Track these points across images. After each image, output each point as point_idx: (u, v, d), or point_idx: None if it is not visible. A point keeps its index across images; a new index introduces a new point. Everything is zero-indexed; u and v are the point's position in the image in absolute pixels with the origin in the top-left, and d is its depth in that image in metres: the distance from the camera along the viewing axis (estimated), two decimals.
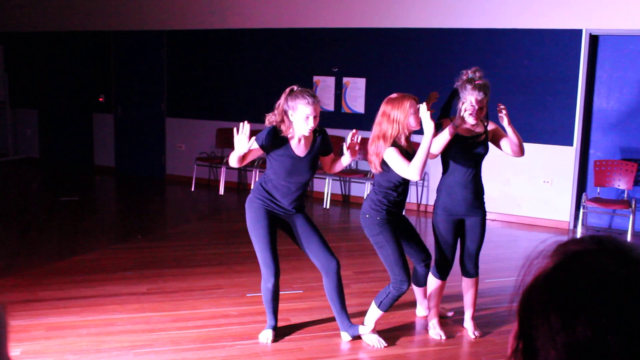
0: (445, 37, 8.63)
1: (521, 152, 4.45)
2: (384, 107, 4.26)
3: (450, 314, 4.98)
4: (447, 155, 4.42)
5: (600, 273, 0.75)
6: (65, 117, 12.00)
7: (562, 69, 7.93)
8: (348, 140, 4.27)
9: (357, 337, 4.48)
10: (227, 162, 9.86)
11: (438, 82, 8.59)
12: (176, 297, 5.24)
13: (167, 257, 6.41)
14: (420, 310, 4.97)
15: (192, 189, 10.05)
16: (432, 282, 4.60)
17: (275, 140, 4.18)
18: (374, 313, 4.43)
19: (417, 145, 4.16)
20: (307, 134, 4.17)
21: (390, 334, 4.66)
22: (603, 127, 8.06)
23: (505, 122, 4.31)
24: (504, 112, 4.30)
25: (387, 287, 4.35)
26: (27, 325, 4.49)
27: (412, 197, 8.93)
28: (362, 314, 4.79)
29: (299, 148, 4.23)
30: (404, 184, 4.32)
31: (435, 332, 4.62)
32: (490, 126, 4.46)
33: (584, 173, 8.18)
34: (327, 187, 9.03)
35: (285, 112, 4.17)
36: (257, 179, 9.38)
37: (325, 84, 9.55)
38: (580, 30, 7.77)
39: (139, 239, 7.06)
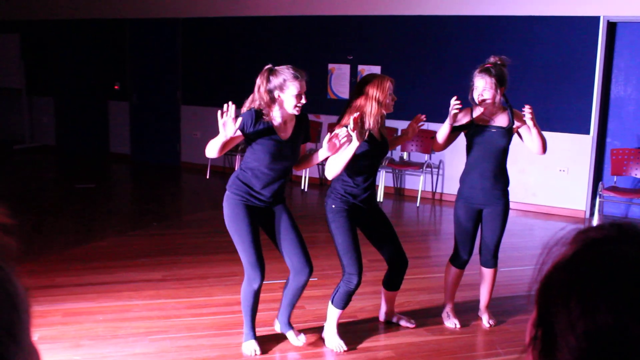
0: (461, 24, 8.57)
1: (543, 151, 4.40)
2: (362, 87, 4.05)
3: (411, 325, 4.62)
4: (468, 143, 4.41)
5: (620, 260, 0.75)
6: (81, 105, 12.05)
7: (579, 56, 7.86)
8: (340, 133, 3.85)
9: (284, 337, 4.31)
10: (240, 149, 9.88)
11: (452, 69, 8.55)
12: (191, 284, 5.27)
13: (182, 244, 6.44)
14: (384, 314, 4.68)
15: (207, 177, 10.08)
16: (450, 270, 4.59)
17: (258, 123, 3.87)
18: (331, 312, 4.23)
19: (391, 130, 4.07)
20: (297, 112, 3.87)
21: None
22: (620, 116, 7.99)
23: (530, 124, 4.23)
24: (529, 115, 4.16)
25: (339, 282, 4.19)
26: (44, 311, 4.54)
27: (427, 186, 8.91)
28: (376, 302, 4.79)
29: (283, 131, 3.93)
30: (366, 178, 4.10)
31: (450, 320, 4.62)
32: (517, 120, 4.38)
33: (600, 162, 8.12)
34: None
35: (269, 93, 3.86)
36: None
37: (340, 72, 9.53)
38: (598, 17, 7.69)
39: (155, 226, 7.10)
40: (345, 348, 4.20)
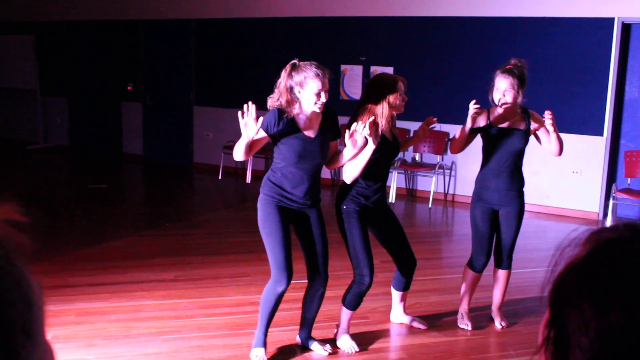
0: (474, 25, 8.55)
1: (559, 153, 4.41)
2: (373, 87, 4.08)
3: (423, 327, 4.60)
4: (485, 146, 4.40)
5: (634, 260, 0.74)
6: (95, 106, 12.11)
7: (593, 57, 7.81)
8: (358, 128, 3.84)
9: (306, 349, 4.23)
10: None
11: (466, 71, 8.53)
12: (203, 284, 5.28)
13: (194, 244, 6.46)
14: (395, 316, 4.67)
15: (220, 177, 10.10)
16: (467, 274, 4.57)
17: (281, 122, 3.78)
18: (343, 314, 4.24)
19: (404, 131, 4.05)
20: (318, 110, 3.79)
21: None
22: (634, 117, 7.94)
23: (550, 129, 4.22)
24: (550, 120, 4.16)
25: (351, 283, 4.17)
26: (57, 311, 4.56)
27: (439, 187, 8.89)
28: (388, 303, 4.78)
29: (308, 129, 3.85)
30: (377, 179, 4.09)
31: (463, 322, 4.60)
32: (534, 122, 4.36)
33: (614, 164, 8.07)
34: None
35: (290, 90, 3.80)
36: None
37: (352, 73, 9.53)
38: (612, 19, 7.65)
39: (167, 226, 7.12)
40: (357, 349, 4.20)
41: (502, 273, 4.57)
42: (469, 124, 4.28)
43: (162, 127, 11.43)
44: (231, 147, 10.27)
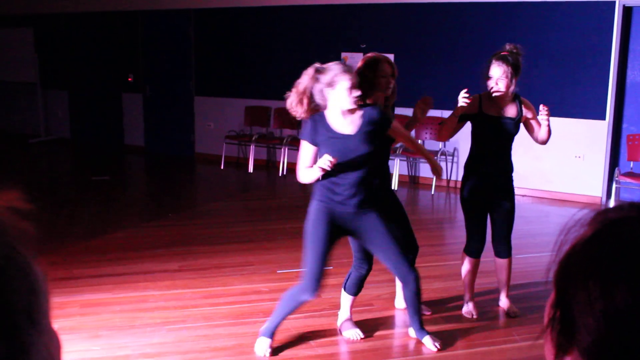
0: (474, 11, 8.51)
1: (544, 144, 4.42)
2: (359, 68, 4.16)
3: (427, 312, 4.59)
4: (475, 132, 4.37)
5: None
6: (95, 98, 12.10)
7: (594, 41, 7.78)
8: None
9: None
10: (254, 139, 9.88)
11: (466, 56, 8.50)
12: (207, 274, 5.29)
13: (197, 234, 6.46)
14: (399, 301, 4.68)
15: (221, 167, 10.10)
16: (465, 260, 4.57)
17: (317, 127, 3.71)
18: (344, 299, 4.25)
19: (405, 118, 4.02)
20: (354, 105, 3.65)
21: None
22: (636, 101, 7.92)
23: (544, 124, 4.21)
24: (545, 115, 4.17)
25: (351, 268, 4.19)
26: (62, 302, 4.57)
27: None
28: (392, 290, 4.79)
29: (347, 125, 3.72)
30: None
31: (468, 310, 4.59)
32: (526, 109, 4.35)
33: (616, 147, 8.06)
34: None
35: (320, 92, 3.68)
36: (285, 156, 9.40)
37: (353, 60, 9.50)
38: (614, 2, 7.61)
39: (170, 217, 7.13)
40: (361, 336, 4.20)
41: (503, 262, 4.55)
42: (457, 112, 4.25)
43: (163, 118, 11.42)
44: (233, 137, 10.27)
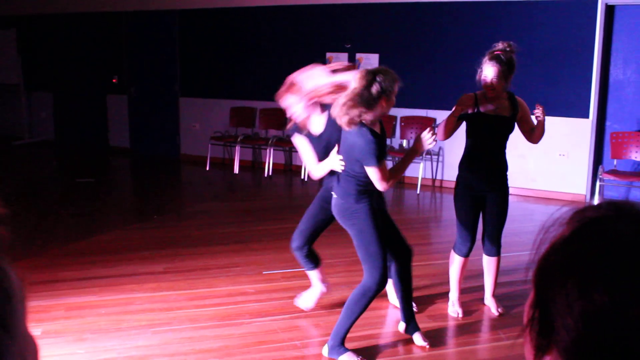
0: (458, 10, 8.54)
1: (536, 143, 4.44)
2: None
3: (414, 310, 4.48)
4: (470, 130, 4.38)
5: (617, 239, 0.74)
6: (80, 99, 12.03)
7: (577, 40, 7.83)
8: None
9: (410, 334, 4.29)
10: (239, 140, 9.86)
11: (451, 56, 8.53)
12: (193, 276, 5.27)
13: (183, 236, 6.44)
14: (392, 297, 4.72)
15: (207, 168, 10.07)
16: (453, 259, 4.58)
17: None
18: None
19: (390, 118, 4.06)
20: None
21: None
22: (619, 99, 7.97)
23: (539, 122, 4.24)
24: (540, 116, 4.20)
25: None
26: (46, 306, 4.54)
27: (427, 173, 8.90)
28: None
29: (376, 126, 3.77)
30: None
31: (454, 309, 4.60)
32: (520, 108, 4.35)
33: (600, 145, 8.11)
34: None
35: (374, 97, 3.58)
36: (270, 157, 9.39)
37: (338, 60, 9.50)
38: (596, 0, 7.66)
39: (155, 218, 7.10)
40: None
41: (491, 260, 4.57)
42: (452, 118, 4.26)
43: (148, 119, 11.38)
44: (218, 138, 10.24)
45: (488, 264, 4.59)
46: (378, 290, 3.82)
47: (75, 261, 5.58)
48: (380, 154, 3.63)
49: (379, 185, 3.70)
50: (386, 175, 3.67)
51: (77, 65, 11.89)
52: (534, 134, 4.36)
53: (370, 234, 3.80)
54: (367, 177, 3.71)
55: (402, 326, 4.25)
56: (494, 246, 4.52)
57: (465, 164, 4.43)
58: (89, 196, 8.29)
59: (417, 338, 4.15)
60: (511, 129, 4.36)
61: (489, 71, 4.19)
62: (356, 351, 3.94)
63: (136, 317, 4.45)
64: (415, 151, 3.82)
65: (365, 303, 3.83)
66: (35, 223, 6.74)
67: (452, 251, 4.58)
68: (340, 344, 3.90)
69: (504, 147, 4.39)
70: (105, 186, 9.40)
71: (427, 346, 4.10)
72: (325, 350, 3.94)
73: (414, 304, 4.54)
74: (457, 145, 7.67)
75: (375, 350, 4.12)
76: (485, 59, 4.22)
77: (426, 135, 3.77)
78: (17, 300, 0.63)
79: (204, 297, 4.86)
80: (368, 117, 3.59)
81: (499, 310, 4.61)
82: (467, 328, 4.43)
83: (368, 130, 3.61)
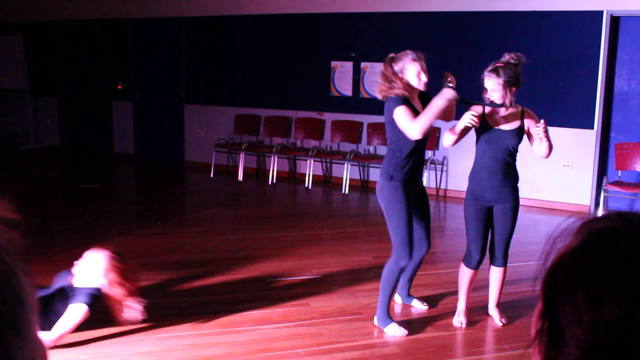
0: (465, 20, 8.56)
1: (546, 157, 4.40)
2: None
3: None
4: (477, 142, 4.37)
5: (627, 251, 0.74)
6: (85, 105, 12.07)
7: (582, 51, 7.84)
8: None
9: (408, 304, 4.86)
10: (244, 148, 9.88)
11: (456, 66, 8.53)
12: (196, 283, 5.27)
13: (186, 243, 6.45)
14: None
15: (211, 175, 10.08)
16: (463, 271, 4.57)
17: (405, 102, 4.17)
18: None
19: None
20: (424, 88, 4.26)
21: (412, 319, 4.67)
22: (624, 110, 7.97)
23: (542, 137, 4.18)
24: (542, 130, 4.14)
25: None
26: None
27: (431, 182, 8.90)
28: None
29: (418, 106, 4.29)
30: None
31: (458, 319, 4.58)
32: (528, 120, 4.33)
33: (604, 156, 8.10)
34: (346, 173, 9.01)
35: (395, 75, 4.22)
36: (275, 165, 9.39)
37: (343, 69, 9.53)
38: (601, 12, 7.67)
39: (159, 225, 7.11)
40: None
41: (497, 271, 4.55)
42: (458, 130, 4.25)
43: (153, 126, 11.40)
44: (222, 146, 10.25)
45: (494, 274, 4.58)
46: (405, 265, 4.29)
47: None
48: (405, 102, 4.13)
49: (410, 130, 4.08)
50: (413, 120, 4.09)
51: (82, 71, 11.93)
52: (540, 148, 4.32)
53: (397, 213, 4.21)
54: (400, 148, 4.20)
55: (399, 299, 4.86)
56: (501, 257, 4.50)
57: (473, 174, 4.43)
58: (93, 202, 8.31)
59: (416, 302, 4.81)
60: (519, 140, 4.33)
61: (487, 83, 4.22)
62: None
63: (139, 324, 4.44)
64: (440, 98, 4.16)
65: (395, 277, 4.31)
66: (39, 228, 6.75)
67: (462, 263, 4.56)
68: (387, 315, 4.38)
69: (512, 159, 4.35)
70: (110, 192, 9.42)
71: (427, 308, 4.76)
72: (375, 320, 4.47)
73: (422, 302, 4.84)
74: (461, 154, 7.68)
75: (375, 359, 4.11)
76: (485, 71, 4.24)
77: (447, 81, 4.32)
78: (28, 304, 0.63)
79: (206, 304, 4.86)
80: (396, 91, 4.20)
81: (503, 320, 4.60)
82: (471, 338, 4.42)
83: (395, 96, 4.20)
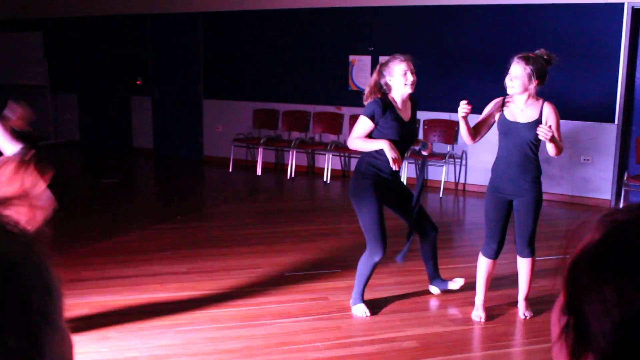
0: (483, 13, 8.51)
1: (556, 156, 4.37)
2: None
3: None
4: (499, 135, 4.37)
5: None
6: (104, 101, 12.15)
7: (603, 44, 7.76)
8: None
9: (446, 291, 4.92)
10: (262, 142, 9.90)
11: (474, 59, 8.50)
12: (216, 277, 5.30)
13: (206, 237, 6.48)
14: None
15: (230, 170, 10.12)
16: (481, 261, 4.56)
17: (384, 108, 4.31)
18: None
19: None
20: (410, 90, 4.33)
21: (431, 313, 4.67)
22: None
23: (542, 136, 4.10)
24: (543, 137, 4.03)
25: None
26: (71, 305, 4.58)
27: (449, 176, 8.88)
28: (401, 292, 4.79)
29: (404, 113, 4.40)
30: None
31: (477, 313, 4.57)
32: (547, 115, 4.26)
33: (625, 150, 8.03)
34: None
35: (379, 86, 4.37)
36: (293, 159, 9.41)
37: (361, 63, 9.51)
38: (622, 4, 7.60)
39: (178, 219, 7.15)
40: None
41: (523, 262, 4.51)
42: (461, 123, 4.29)
43: (171, 121, 11.45)
44: (241, 140, 10.28)
45: (520, 266, 4.55)
46: (379, 260, 4.45)
47: (99, 261, 5.63)
48: (370, 114, 4.31)
49: (350, 138, 4.40)
50: (358, 134, 4.34)
51: (101, 67, 12.01)
52: (547, 147, 4.26)
53: (366, 208, 4.36)
54: (376, 152, 4.35)
55: (435, 289, 4.93)
56: (524, 248, 4.46)
57: (494, 166, 4.44)
58: (113, 197, 8.37)
59: (452, 284, 4.88)
60: (532, 135, 4.28)
61: (513, 69, 4.18)
62: (372, 355, 3.94)
63: (159, 317, 4.48)
64: (385, 145, 4.27)
65: (370, 269, 4.50)
66: (60, 223, 6.80)
67: (480, 253, 4.56)
68: (359, 297, 4.60)
69: (533, 152, 4.31)
70: (129, 187, 9.48)
71: (463, 282, 4.86)
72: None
73: (457, 281, 4.96)
74: (480, 149, 7.64)
75: (395, 353, 4.11)
76: (515, 57, 4.21)
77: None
78: (57, 295, 0.65)
79: (226, 297, 4.89)
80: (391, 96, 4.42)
81: (526, 314, 4.57)
82: (490, 332, 4.41)
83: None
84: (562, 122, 4.40)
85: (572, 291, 0.77)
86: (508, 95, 4.31)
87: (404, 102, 4.40)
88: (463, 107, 4.22)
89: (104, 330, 4.26)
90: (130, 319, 4.44)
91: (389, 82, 4.34)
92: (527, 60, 4.14)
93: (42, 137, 12.72)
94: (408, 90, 4.34)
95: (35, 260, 0.63)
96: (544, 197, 8.06)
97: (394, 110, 4.34)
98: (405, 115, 4.40)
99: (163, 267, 5.50)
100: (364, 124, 4.34)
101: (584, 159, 8.06)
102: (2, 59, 12.75)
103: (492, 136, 4.51)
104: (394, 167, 4.24)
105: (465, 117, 4.25)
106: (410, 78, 4.31)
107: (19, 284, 0.59)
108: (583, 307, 0.74)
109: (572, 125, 7.69)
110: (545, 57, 4.23)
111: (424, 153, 4.57)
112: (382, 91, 4.38)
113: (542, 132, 4.04)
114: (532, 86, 4.17)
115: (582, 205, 8.00)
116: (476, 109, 4.44)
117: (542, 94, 4.40)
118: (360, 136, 4.34)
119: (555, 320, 0.80)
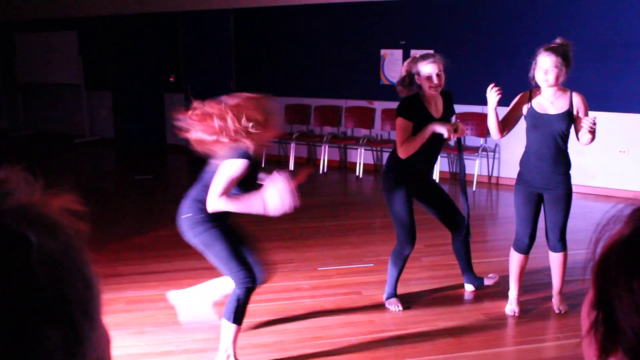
0: (516, 4, 8.42)
1: (583, 144, 4.33)
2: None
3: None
4: (527, 127, 4.34)
5: None
6: (138, 98, 12.28)
7: (637, 32, 7.63)
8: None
9: (481, 287, 4.92)
10: (294, 137, 9.92)
11: (507, 50, 8.41)
12: None
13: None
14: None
15: (263, 165, 10.13)
16: (513, 256, 4.53)
17: (414, 106, 4.32)
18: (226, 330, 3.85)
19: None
20: (434, 92, 4.32)
21: (465, 308, 4.65)
22: None
23: (585, 132, 4.13)
24: (588, 128, 4.07)
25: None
26: (108, 299, 4.65)
27: (482, 170, 8.82)
28: (434, 286, 4.79)
29: (435, 110, 4.39)
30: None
31: (511, 308, 4.55)
32: (577, 105, 4.23)
33: None
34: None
35: (411, 77, 4.36)
36: (325, 154, 9.41)
37: (392, 57, 9.48)
38: None
39: None
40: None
41: (556, 256, 4.48)
42: (491, 111, 4.26)
43: None
44: None
45: (553, 260, 4.52)
46: (409, 253, 4.53)
47: (135, 256, 5.72)
48: (405, 113, 4.33)
49: (398, 149, 4.34)
50: (403, 138, 4.33)
51: (135, 64, 12.14)
52: (582, 137, 4.24)
53: (397, 205, 4.42)
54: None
55: (469, 287, 4.91)
56: (556, 243, 4.43)
57: (523, 160, 4.40)
58: (148, 192, 8.47)
59: (487, 280, 4.92)
60: (569, 125, 4.24)
61: (544, 62, 4.11)
62: (405, 348, 3.94)
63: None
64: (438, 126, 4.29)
65: (402, 263, 4.57)
66: (95, 218, 6.91)
67: (512, 248, 4.53)
68: (392, 291, 4.67)
69: (563, 144, 4.28)
70: (163, 183, 9.58)
71: (497, 278, 4.91)
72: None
73: (493, 277, 5.01)
74: (513, 142, 7.57)
75: (427, 347, 4.11)
76: (541, 50, 4.16)
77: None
78: (96, 290, 0.67)
79: (259, 292, 4.89)
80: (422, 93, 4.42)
81: (561, 308, 4.53)
82: (525, 327, 4.38)
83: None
84: (598, 114, 4.37)
85: (601, 286, 0.77)
86: (534, 88, 4.27)
87: (434, 99, 4.40)
88: (493, 93, 4.21)
89: (141, 325, 4.33)
90: (166, 314, 4.49)
91: (417, 80, 4.36)
92: (555, 51, 4.10)
93: (78, 134, 12.92)
94: (432, 92, 4.33)
95: (75, 257, 0.65)
96: (579, 189, 8.02)
97: (424, 108, 4.34)
98: (436, 112, 4.38)
99: (197, 262, 5.52)
100: (403, 126, 4.30)
101: (620, 151, 7.94)
102: (39, 58, 12.98)
103: (524, 129, 4.47)
104: (452, 138, 4.29)
105: (495, 108, 4.22)
106: (435, 81, 4.28)
107: (59, 280, 0.61)
108: (613, 302, 0.74)
109: (607, 116, 7.58)
110: (564, 44, 4.18)
111: (454, 138, 4.40)
112: (413, 85, 4.38)
113: (587, 124, 4.04)
114: (563, 76, 4.14)
115: (618, 198, 7.88)
116: (506, 100, 4.40)
117: (576, 84, 4.35)
118: (406, 139, 4.28)
119: (585, 314, 0.80)
